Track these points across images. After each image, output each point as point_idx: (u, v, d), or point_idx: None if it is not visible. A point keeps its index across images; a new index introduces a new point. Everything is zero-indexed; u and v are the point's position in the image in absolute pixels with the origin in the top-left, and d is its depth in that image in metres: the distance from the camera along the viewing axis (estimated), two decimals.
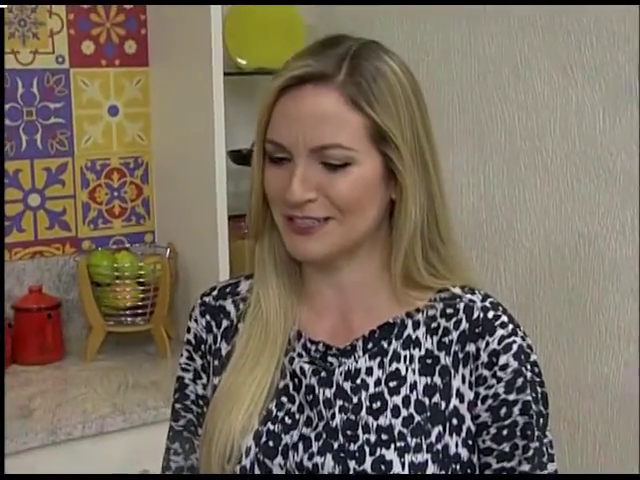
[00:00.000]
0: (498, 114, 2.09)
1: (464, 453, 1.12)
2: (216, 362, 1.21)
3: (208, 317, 1.23)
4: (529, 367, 1.14)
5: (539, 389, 1.15)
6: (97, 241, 2.49)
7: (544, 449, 1.15)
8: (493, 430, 1.13)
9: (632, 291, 1.88)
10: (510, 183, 2.09)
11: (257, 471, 1.13)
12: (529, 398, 1.13)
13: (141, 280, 2.37)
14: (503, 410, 1.12)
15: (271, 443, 1.13)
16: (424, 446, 1.10)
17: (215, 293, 1.25)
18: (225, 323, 1.22)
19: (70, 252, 2.45)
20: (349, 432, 1.11)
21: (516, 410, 1.13)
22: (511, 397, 1.12)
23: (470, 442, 1.13)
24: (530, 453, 1.13)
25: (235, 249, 2.39)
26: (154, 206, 2.56)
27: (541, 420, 1.15)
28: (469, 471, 1.13)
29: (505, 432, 1.13)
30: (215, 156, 2.29)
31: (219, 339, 1.22)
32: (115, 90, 2.47)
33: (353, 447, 1.11)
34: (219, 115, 2.27)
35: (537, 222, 2.04)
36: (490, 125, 2.11)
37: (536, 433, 1.14)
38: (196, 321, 1.24)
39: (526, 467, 1.13)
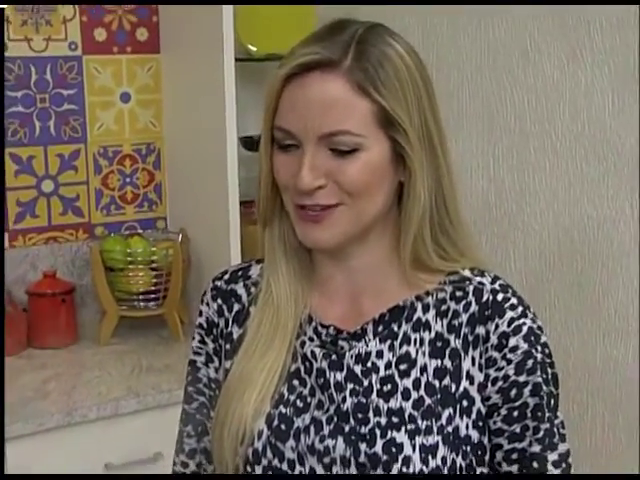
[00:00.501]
0: (508, 97, 2.10)
1: (475, 435, 1.14)
2: (228, 346, 1.23)
3: (220, 301, 1.25)
4: (539, 349, 1.15)
5: (549, 370, 1.16)
6: (110, 227, 2.51)
7: (555, 430, 1.16)
8: (504, 411, 1.14)
9: None
10: (519, 166, 2.10)
11: (269, 454, 1.15)
12: (539, 379, 1.14)
13: (154, 265, 2.39)
14: (513, 391, 1.14)
15: (283, 426, 1.15)
16: (435, 428, 1.12)
17: (227, 277, 1.26)
18: (237, 307, 1.24)
19: (83, 238, 2.48)
20: (360, 415, 1.13)
21: (526, 391, 1.14)
22: (521, 379, 1.14)
23: (481, 424, 1.14)
24: (541, 434, 1.15)
25: (247, 234, 2.40)
26: (166, 192, 2.58)
27: (552, 401, 1.16)
28: (480, 453, 1.14)
29: (516, 413, 1.14)
30: (227, 142, 2.30)
31: (231, 323, 1.23)
32: (127, 77, 2.49)
33: (364, 430, 1.12)
34: (230, 101, 2.29)
35: (546, 205, 2.05)
36: (500, 109, 2.12)
37: (547, 414, 1.15)
38: (208, 305, 1.26)
39: (537, 448, 1.15)
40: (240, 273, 1.26)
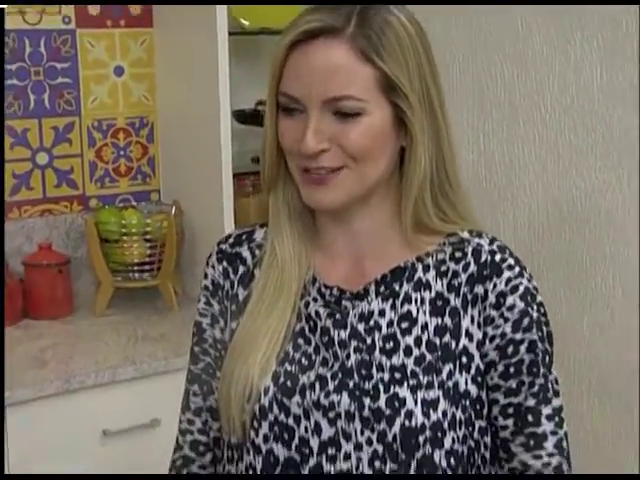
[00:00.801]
0: (498, 73, 2.14)
1: (473, 390, 1.18)
2: (233, 307, 1.26)
3: (225, 263, 1.29)
4: (535, 307, 1.20)
5: (545, 328, 1.21)
6: (104, 199, 2.54)
7: (549, 385, 1.21)
8: (501, 367, 1.19)
9: (627, 243, 1.94)
10: (509, 139, 2.14)
11: (275, 410, 1.19)
12: (535, 337, 1.19)
13: (148, 237, 2.42)
14: (510, 348, 1.19)
15: (289, 383, 1.19)
16: (435, 383, 1.16)
17: (231, 240, 1.30)
18: (242, 269, 1.27)
19: (77, 210, 2.51)
20: (364, 371, 1.18)
21: (522, 348, 1.19)
22: (518, 336, 1.19)
23: (479, 379, 1.19)
24: (536, 389, 1.20)
25: (240, 207, 2.44)
26: (159, 165, 2.61)
27: (547, 358, 1.21)
28: (478, 407, 1.19)
29: (512, 369, 1.19)
30: (220, 115, 2.33)
31: (236, 285, 1.27)
32: (120, 51, 2.51)
33: (368, 385, 1.17)
34: (223, 75, 2.32)
35: (535, 177, 2.10)
36: (490, 84, 2.16)
37: (542, 370, 1.20)
38: (213, 267, 1.29)
39: (532, 402, 1.20)
40: (244, 237, 1.30)
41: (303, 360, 1.20)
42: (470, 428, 1.19)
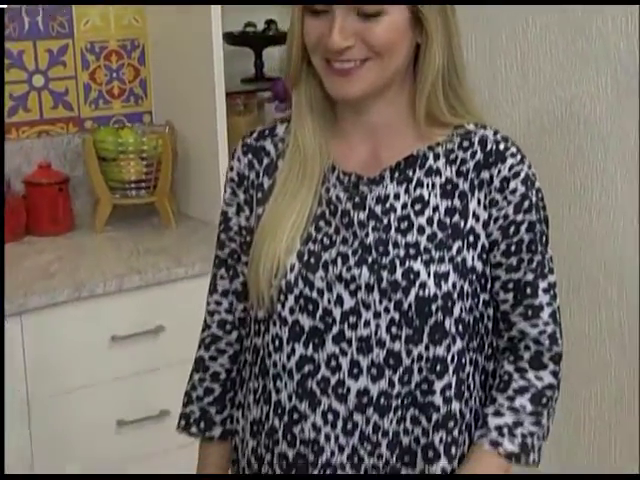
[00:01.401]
0: None
1: (479, 266, 1.31)
2: (259, 195, 1.37)
3: (250, 156, 1.39)
4: (534, 192, 1.33)
5: (542, 212, 1.34)
6: (98, 120, 2.62)
7: (545, 262, 1.34)
8: (503, 246, 1.32)
9: (605, 149, 2.07)
10: (491, 54, 2.25)
11: (300, 284, 1.31)
12: (534, 218, 1.32)
13: (144, 155, 2.51)
14: (512, 229, 1.31)
15: (312, 260, 1.31)
16: (446, 258, 1.29)
17: (255, 135, 1.41)
18: (266, 160, 1.38)
19: (74, 131, 2.58)
20: (381, 248, 1.30)
21: (523, 228, 1.32)
22: (519, 217, 1.31)
23: (484, 256, 1.31)
24: (534, 265, 1.33)
25: (232, 125, 2.53)
26: (151, 87, 2.68)
27: (543, 238, 1.34)
28: (483, 281, 1.32)
29: (513, 248, 1.32)
30: (212, 36, 2.40)
31: (261, 174, 1.38)
32: None
33: (385, 260, 1.29)
34: None
35: (517, 89, 2.21)
36: None
37: (539, 248, 1.33)
38: (239, 160, 1.40)
39: (530, 277, 1.33)
40: (267, 132, 1.40)
41: (325, 240, 1.32)
42: (476, 300, 1.32)
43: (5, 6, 2.37)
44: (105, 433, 2.19)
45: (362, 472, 1.30)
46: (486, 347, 1.35)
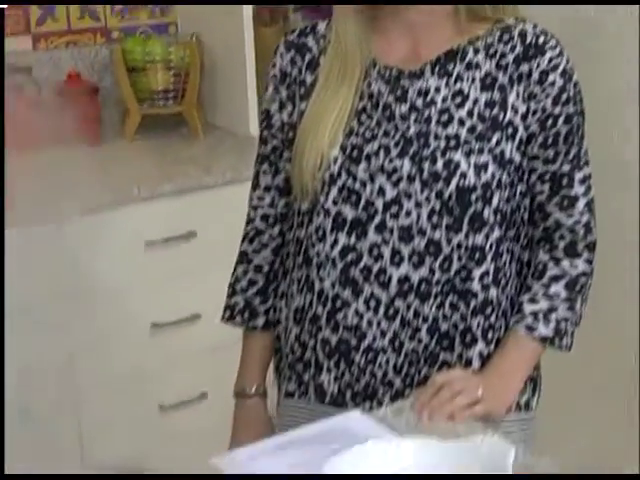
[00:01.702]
0: None
1: (517, 157, 1.35)
2: (302, 90, 1.41)
3: (292, 52, 1.42)
4: (572, 85, 1.36)
5: (579, 105, 1.37)
6: (125, 31, 2.63)
7: (581, 154, 1.38)
8: (540, 138, 1.36)
9: None
10: None
11: (344, 176, 1.35)
12: (571, 111, 1.35)
13: (171, 65, 2.53)
14: (549, 121, 1.35)
15: (355, 152, 1.35)
16: (485, 150, 1.33)
17: (297, 32, 1.44)
18: (308, 57, 1.41)
19: (101, 42, 2.60)
20: (422, 140, 1.33)
21: (560, 121, 1.35)
22: (556, 110, 1.35)
23: (522, 149, 1.35)
24: (570, 156, 1.37)
25: (258, 36, 2.54)
26: None
27: (580, 130, 1.37)
28: (520, 173, 1.36)
29: (550, 140, 1.36)
30: None
31: (303, 71, 1.41)
32: None
33: (426, 152, 1.33)
34: None
35: None
36: None
37: (576, 140, 1.37)
38: (281, 57, 1.43)
39: (566, 168, 1.37)
40: (309, 29, 1.43)
41: (367, 133, 1.36)
42: (513, 190, 1.36)
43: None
44: (140, 336, 2.26)
45: (402, 356, 1.37)
46: (522, 237, 1.40)
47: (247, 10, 2.45)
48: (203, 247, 2.29)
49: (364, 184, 1.35)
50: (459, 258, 1.34)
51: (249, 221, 1.50)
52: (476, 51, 1.36)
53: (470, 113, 1.34)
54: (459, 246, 1.34)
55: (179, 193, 2.26)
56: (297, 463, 1.11)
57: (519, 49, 1.35)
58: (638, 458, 2.12)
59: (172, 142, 2.54)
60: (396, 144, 1.34)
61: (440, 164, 1.32)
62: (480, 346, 1.36)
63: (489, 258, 1.35)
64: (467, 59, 1.36)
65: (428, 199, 1.33)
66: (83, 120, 2.45)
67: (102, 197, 2.15)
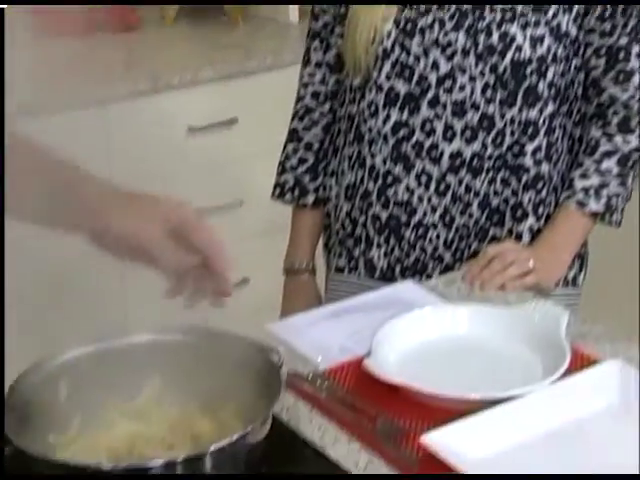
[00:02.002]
0: None
1: (573, 30, 1.33)
2: None
3: None
4: None
5: None
6: None
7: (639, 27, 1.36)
8: (598, 11, 1.33)
9: None
10: None
11: (397, 50, 1.34)
12: None
13: None
14: None
15: (409, 26, 1.34)
16: (542, 22, 1.31)
17: None
18: None
19: None
20: (477, 12, 1.32)
21: None
22: None
23: (579, 21, 1.33)
24: (628, 29, 1.34)
25: None
26: None
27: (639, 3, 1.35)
28: (576, 46, 1.34)
29: (608, 12, 1.33)
30: None
31: None
32: None
33: (482, 25, 1.32)
34: None
35: None
36: None
37: (634, 12, 1.34)
38: None
39: (624, 41, 1.34)
40: None
41: (421, 6, 1.34)
42: (568, 64, 1.35)
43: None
44: None
45: (453, 231, 1.38)
46: (574, 113, 1.40)
47: None
48: (244, 135, 2.29)
49: (417, 58, 1.34)
50: (512, 133, 1.34)
51: (299, 99, 1.50)
52: None
53: None
54: (512, 121, 1.34)
55: (220, 79, 2.25)
56: (356, 328, 1.13)
57: None
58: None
59: (212, 29, 2.52)
60: (451, 17, 1.33)
61: (495, 37, 1.31)
62: (531, 221, 1.37)
63: (542, 133, 1.35)
64: None
65: (482, 73, 1.32)
66: (120, 8, 2.44)
67: (143, 82, 2.14)
